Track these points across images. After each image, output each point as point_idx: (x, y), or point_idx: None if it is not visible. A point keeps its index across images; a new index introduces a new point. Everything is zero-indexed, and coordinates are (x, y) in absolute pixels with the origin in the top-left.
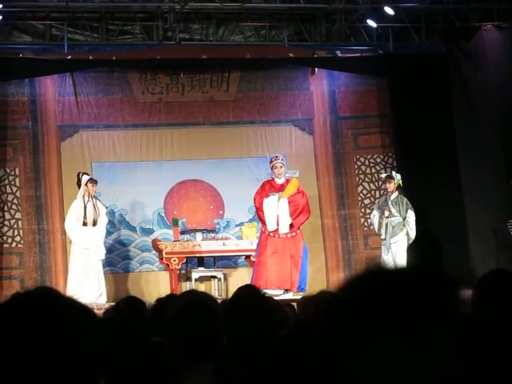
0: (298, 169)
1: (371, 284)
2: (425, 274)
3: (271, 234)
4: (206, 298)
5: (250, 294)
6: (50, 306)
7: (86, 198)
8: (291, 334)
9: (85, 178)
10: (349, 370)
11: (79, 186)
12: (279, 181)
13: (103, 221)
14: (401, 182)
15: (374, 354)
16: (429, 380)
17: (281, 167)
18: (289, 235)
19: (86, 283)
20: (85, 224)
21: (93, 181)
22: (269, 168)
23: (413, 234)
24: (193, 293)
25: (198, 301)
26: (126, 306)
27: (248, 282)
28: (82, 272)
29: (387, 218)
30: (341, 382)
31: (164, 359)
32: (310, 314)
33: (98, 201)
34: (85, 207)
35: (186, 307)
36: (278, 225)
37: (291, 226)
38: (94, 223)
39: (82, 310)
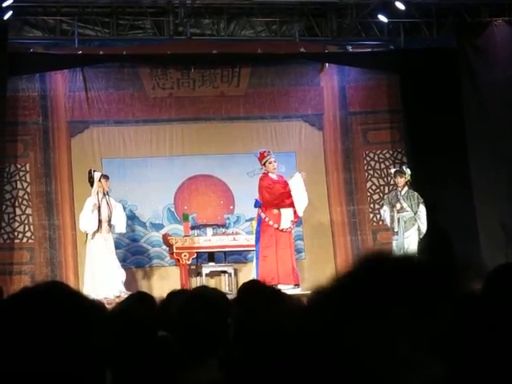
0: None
1: (371, 270)
2: (429, 262)
3: (275, 225)
4: (215, 293)
5: (260, 289)
6: (57, 300)
7: (100, 195)
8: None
9: (97, 175)
10: (355, 349)
11: (91, 183)
12: (274, 176)
13: (118, 208)
14: (410, 177)
15: (377, 326)
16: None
17: (275, 162)
18: (288, 229)
19: (108, 277)
20: (99, 221)
21: (105, 176)
22: (259, 164)
23: (424, 228)
24: (203, 288)
25: (203, 295)
26: (136, 301)
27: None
28: (101, 267)
29: (399, 212)
30: (351, 363)
31: (169, 353)
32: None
33: (110, 197)
34: (99, 204)
35: (191, 302)
36: (280, 220)
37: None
38: (108, 220)
39: (89, 305)
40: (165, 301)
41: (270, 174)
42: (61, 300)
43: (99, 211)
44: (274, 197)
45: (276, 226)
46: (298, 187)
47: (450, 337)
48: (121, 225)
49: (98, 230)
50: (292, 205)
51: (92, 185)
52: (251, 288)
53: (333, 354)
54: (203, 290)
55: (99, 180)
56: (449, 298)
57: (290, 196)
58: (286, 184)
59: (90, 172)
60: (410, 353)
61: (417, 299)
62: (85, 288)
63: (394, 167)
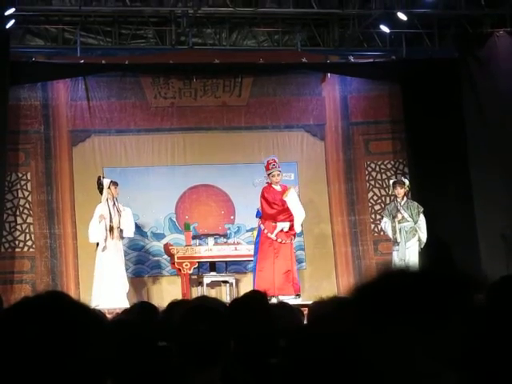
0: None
1: (389, 284)
2: (440, 274)
3: (273, 237)
4: (215, 303)
5: (251, 299)
6: (58, 311)
7: (110, 202)
8: (303, 334)
9: (106, 181)
10: (371, 359)
11: (100, 190)
12: (277, 187)
13: (127, 213)
14: (408, 188)
15: (394, 338)
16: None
17: (278, 175)
18: (288, 241)
19: (114, 289)
20: (111, 228)
21: (114, 183)
22: (264, 173)
23: (424, 238)
24: (203, 298)
25: (203, 306)
26: (137, 312)
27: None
28: (108, 277)
29: (400, 222)
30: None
31: (169, 363)
32: (325, 314)
33: (119, 203)
34: (109, 211)
35: (192, 313)
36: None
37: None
38: (119, 226)
39: (90, 315)
40: (165, 311)
41: (274, 185)
42: (62, 311)
43: (110, 218)
44: (273, 212)
45: (274, 238)
46: (293, 203)
47: (463, 348)
48: (129, 229)
49: (107, 238)
50: (288, 219)
51: (101, 192)
52: (250, 299)
53: (351, 364)
54: (204, 300)
55: (108, 187)
56: (461, 311)
57: (286, 211)
58: (284, 202)
59: (99, 179)
60: (426, 364)
61: (432, 312)
62: (92, 297)
63: (396, 178)
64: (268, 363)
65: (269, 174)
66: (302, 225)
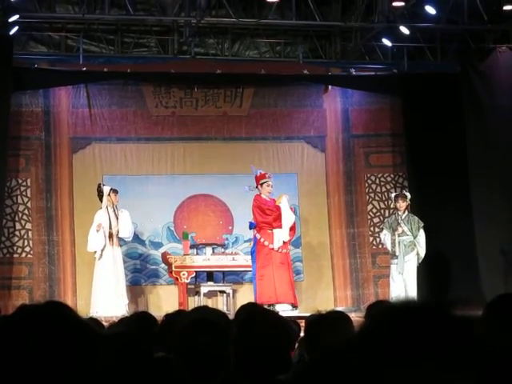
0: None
1: (414, 321)
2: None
3: (270, 245)
4: (216, 315)
5: (263, 312)
6: (54, 323)
7: (110, 209)
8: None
9: (107, 189)
10: None
11: (100, 197)
12: (267, 198)
13: (124, 214)
14: (410, 201)
15: (416, 376)
16: None
17: (272, 187)
18: (284, 250)
19: (114, 297)
20: (110, 235)
21: (114, 191)
22: (254, 183)
23: (422, 253)
24: (204, 309)
25: (204, 318)
26: (134, 322)
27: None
28: (110, 286)
29: (400, 236)
30: None
31: (168, 375)
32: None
33: (117, 210)
34: (109, 218)
35: (194, 324)
36: (273, 240)
37: (284, 242)
38: (118, 233)
39: (88, 327)
40: (163, 322)
41: (263, 196)
42: (58, 323)
43: (110, 225)
44: (268, 218)
45: (271, 246)
46: (284, 210)
47: None
48: (125, 230)
49: (106, 247)
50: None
51: (101, 199)
52: (248, 311)
53: None
54: (205, 311)
55: (108, 194)
56: (478, 351)
57: (280, 218)
58: (278, 207)
59: (99, 186)
60: None
61: (449, 352)
62: (91, 304)
63: (395, 191)
64: (276, 380)
65: (263, 183)
66: (300, 236)
